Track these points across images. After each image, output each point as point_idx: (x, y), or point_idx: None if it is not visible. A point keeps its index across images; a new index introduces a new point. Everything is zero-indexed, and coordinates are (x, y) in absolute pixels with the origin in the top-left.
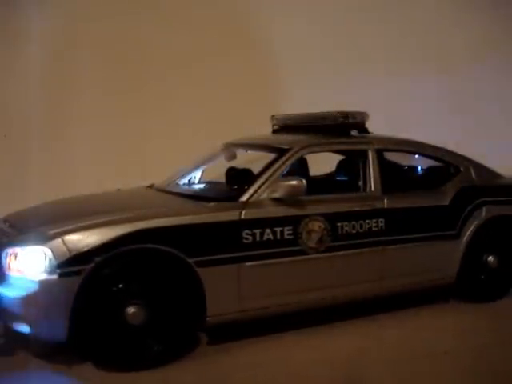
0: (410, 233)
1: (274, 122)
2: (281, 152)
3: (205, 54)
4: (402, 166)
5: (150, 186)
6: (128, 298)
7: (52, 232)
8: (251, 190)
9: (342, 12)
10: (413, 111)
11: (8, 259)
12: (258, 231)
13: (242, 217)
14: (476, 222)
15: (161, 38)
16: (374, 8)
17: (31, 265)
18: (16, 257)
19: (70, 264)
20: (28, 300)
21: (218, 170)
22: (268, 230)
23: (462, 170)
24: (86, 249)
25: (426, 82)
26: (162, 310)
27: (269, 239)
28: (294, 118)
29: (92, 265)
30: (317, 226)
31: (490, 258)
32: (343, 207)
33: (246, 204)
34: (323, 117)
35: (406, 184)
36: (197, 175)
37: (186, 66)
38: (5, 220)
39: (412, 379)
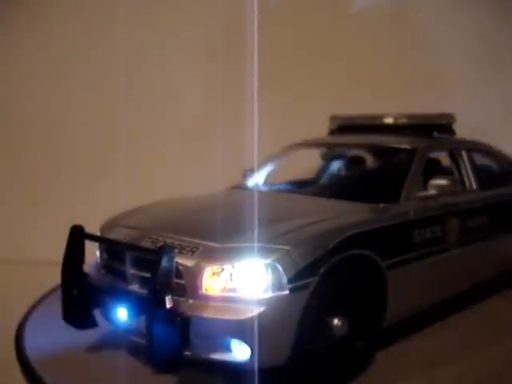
0: (504, 225)
1: (333, 122)
2: (410, 153)
3: None
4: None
5: (236, 187)
6: (332, 309)
7: (276, 241)
8: (405, 190)
9: None
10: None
11: (206, 278)
12: (422, 230)
13: (412, 217)
14: None
15: None
16: None
17: (251, 282)
18: (222, 274)
19: (299, 278)
20: (250, 323)
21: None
22: (428, 229)
23: None
24: (312, 258)
25: None
26: (358, 320)
27: (428, 238)
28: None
29: (318, 277)
30: (455, 222)
31: None
32: (466, 204)
33: (407, 204)
34: (427, 117)
35: (489, 181)
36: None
37: None
38: (161, 229)
39: None
